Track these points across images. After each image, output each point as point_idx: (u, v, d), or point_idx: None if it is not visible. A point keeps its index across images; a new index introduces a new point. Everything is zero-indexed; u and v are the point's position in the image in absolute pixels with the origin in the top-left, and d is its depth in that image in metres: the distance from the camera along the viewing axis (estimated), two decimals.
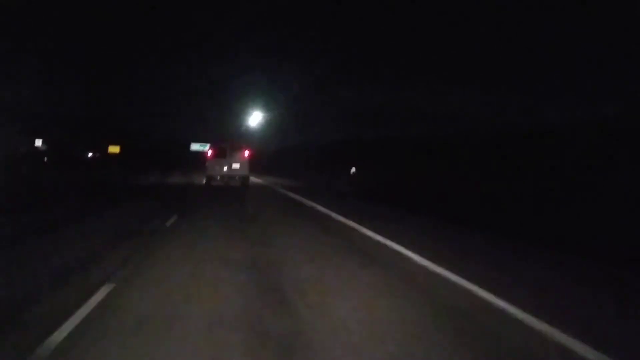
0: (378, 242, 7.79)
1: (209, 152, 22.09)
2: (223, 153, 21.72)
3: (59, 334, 3.51)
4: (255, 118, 32.81)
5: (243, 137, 42.09)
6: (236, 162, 21.65)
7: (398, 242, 7.52)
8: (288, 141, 28.95)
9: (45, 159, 65.02)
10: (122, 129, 73.76)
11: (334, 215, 11.43)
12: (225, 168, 21.58)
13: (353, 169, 18.51)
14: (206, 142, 44.35)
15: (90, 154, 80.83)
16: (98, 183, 23.70)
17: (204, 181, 22.42)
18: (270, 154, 29.93)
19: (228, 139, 29.62)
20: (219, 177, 21.88)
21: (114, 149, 76.69)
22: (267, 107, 31.36)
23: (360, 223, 9.75)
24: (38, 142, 75.54)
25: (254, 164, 30.85)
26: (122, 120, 74.47)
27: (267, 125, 31.25)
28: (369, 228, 9.10)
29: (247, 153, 22.00)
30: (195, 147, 56.80)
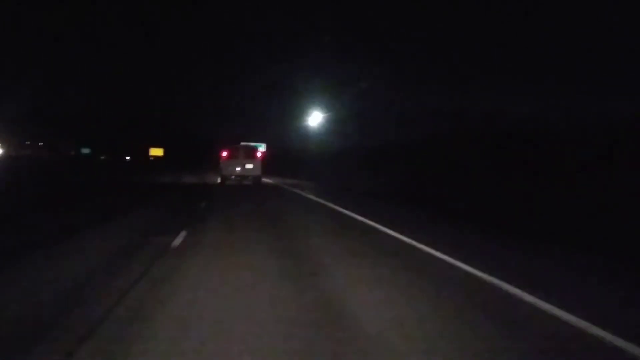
0: None
1: (224, 153, 22.97)
2: (237, 154, 22.92)
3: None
4: (314, 118, 34.07)
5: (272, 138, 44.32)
6: (249, 162, 22.69)
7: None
8: (349, 142, 29.39)
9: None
10: (170, 131, 76.98)
11: None
12: (238, 168, 22.61)
13: None
14: (258, 142, 46.72)
15: (127, 158, 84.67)
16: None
17: (219, 180, 23.65)
18: (331, 155, 30.40)
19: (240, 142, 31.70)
20: (232, 176, 23.00)
21: (156, 152, 79.89)
22: (326, 108, 32.73)
23: None
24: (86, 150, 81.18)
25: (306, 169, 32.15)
26: (171, 122, 77.37)
27: (327, 126, 32.72)
28: None
29: (259, 153, 23.63)
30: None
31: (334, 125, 30.92)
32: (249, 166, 22.61)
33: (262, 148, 46.98)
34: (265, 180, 26.00)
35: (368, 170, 23.10)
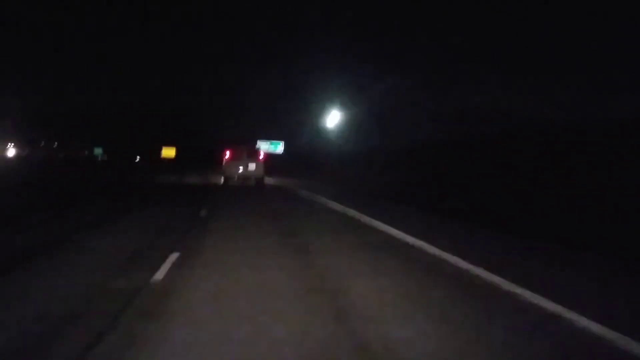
0: None
1: (226, 155, 23.01)
2: (240, 155, 22.82)
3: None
4: (332, 119, 32.89)
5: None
6: (252, 163, 22.69)
7: None
8: (367, 143, 28.36)
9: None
10: (185, 131, 75.72)
11: None
12: (241, 169, 22.62)
13: None
14: (275, 141, 45.15)
15: (138, 158, 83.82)
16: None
17: (221, 181, 23.70)
18: (350, 156, 29.21)
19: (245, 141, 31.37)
20: (235, 177, 22.98)
21: (168, 152, 78.17)
22: (345, 107, 31.54)
23: None
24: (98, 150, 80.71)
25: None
26: (186, 122, 76.18)
27: (346, 125, 31.41)
28: None
29: (262, 155, 23.63)
30: (260, 146, 57.50)
31: (351, 126, 29.88)
32: (252, 167, 22.68)
33: (279, 147, 45.65)
34: (279, 183, 25.28)
35: (387, 172, 21.87)
